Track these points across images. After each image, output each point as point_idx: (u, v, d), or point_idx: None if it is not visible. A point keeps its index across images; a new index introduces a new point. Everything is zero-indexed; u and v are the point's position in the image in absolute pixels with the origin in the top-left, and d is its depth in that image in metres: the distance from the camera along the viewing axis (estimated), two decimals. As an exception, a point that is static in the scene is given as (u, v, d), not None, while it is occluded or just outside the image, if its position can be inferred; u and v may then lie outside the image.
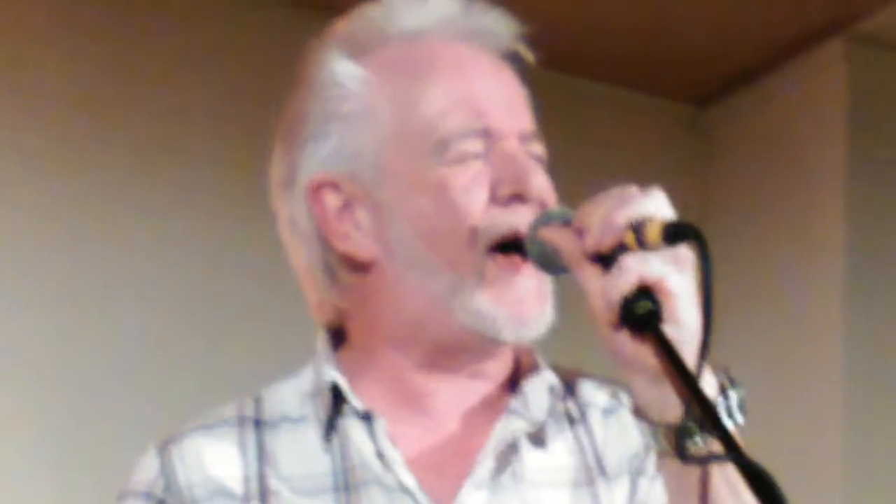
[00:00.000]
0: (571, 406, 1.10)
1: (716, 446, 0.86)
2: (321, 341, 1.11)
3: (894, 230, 3.51)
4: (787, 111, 3.70)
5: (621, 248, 0.89)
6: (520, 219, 1.01)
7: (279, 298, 1.40)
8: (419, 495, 1.03)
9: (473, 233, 1.02)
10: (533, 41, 1.16)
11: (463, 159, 1.04)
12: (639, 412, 0.96)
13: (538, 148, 1.08)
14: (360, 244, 1.05)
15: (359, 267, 1.06)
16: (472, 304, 1.01)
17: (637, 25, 3.56)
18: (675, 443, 0.90)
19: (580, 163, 3.12)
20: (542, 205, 1.03)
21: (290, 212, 1.09)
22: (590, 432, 1.10)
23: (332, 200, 1.05)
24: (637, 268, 0.88)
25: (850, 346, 3.39)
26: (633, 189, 0.93)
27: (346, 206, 1.05)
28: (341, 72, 1.09)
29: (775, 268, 3.65)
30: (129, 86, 3.28)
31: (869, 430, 3.40)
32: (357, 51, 1.09)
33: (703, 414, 0.85)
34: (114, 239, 3.21)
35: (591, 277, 0.91)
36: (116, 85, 3.29)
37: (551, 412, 1.07)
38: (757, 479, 0.82)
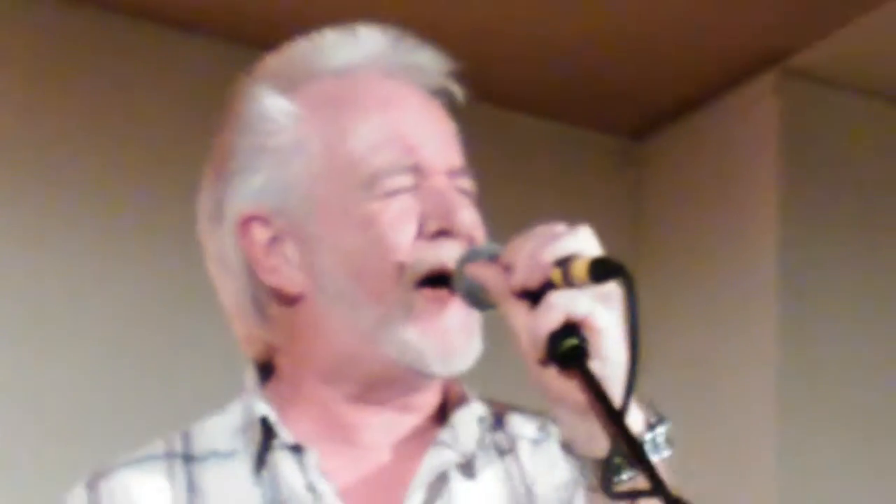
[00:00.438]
0: (501, 438, 1.11)
1: (642, 481, 0.85)
2: (249, 375, 1.11)
3: (827, 264, 3.58)
4: (720, 144, 3.76)
5: (548, 286, 0.90)
6: (447, 254, 1.03)
7: (212, 330, 1.42)
8: None
9: (400, 267, 1.03)
10: (463, 75, 1.19)
11: (392, 194, 1.05)
12: (567, 446, 0.97)
13: (467, 183, 1.10)
14: (289, 278, 1.06)
15: (288, 301, 1.07)
16: (399, 336, 1.02)
17: (570, 58, 3.61)
18: (602, 477, 0.90)
19: (513, 196, 3.21)
20: (470, 240, 1.05)
21: (218, 246, 1.10)
22: (519, 463, 1.10)
23: (260, 234, 1.06)
24: (563, 304, 0.89)
25: (783, 380, 3.45)
26: (561, 226, 0.94)
27: (275, 239, 1.06)
28: (271, 106, 1.09)
29: (708, 300, 3.70)
30: (61, 123, 3.34)
31: (802, 461, 3.45)
32: (287, 86, 1.10)
33: (629, 449, 0.85)
34: (56, 272, 3.26)
35: (517, 314, 0.91)
36: (54, 120, 3.35)
37: (480, 443, 1.07)
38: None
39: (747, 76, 3.69)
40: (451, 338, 1.05)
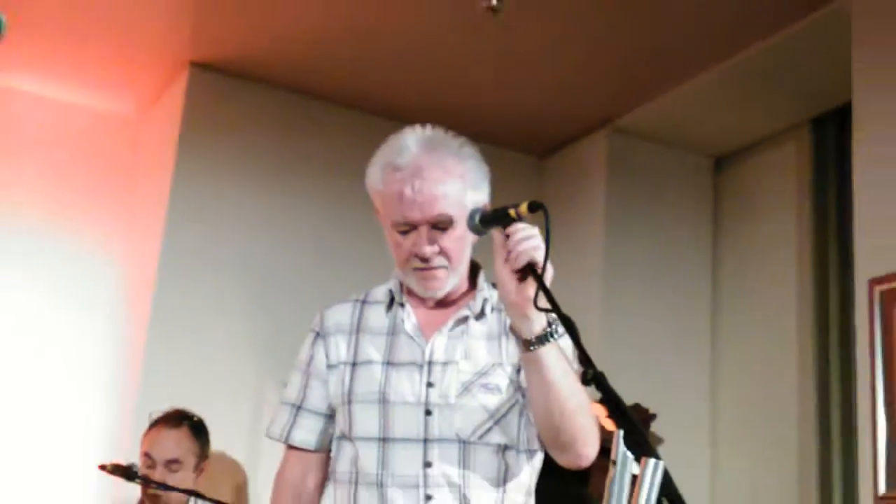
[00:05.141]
0: (497, 303, 1.82)
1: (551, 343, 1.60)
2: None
3: (640, 256, 4.31)
4: (576, 172, 4.55)
5: (513, 218, 1.56)
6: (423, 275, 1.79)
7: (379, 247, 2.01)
8: (416, 336, 1.80)
9: (406, 265, 1.81)
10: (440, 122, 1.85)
11: (401, 232, 1.79)
12: (512, 330, 1.65)
13: (440, 225, 1.76)
14: None
15: None
16: (410, 283, 1.82)
17: (478, 112, 4.21)
18: (531, 341, 1.60)
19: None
20: (439, 256, 1.78)
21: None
22: (502, 315, 1.81)
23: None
24: (536, 240, 1.55)
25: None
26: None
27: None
28: (374, 180, 1.83)
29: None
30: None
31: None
32: (381, 170, 1.82)
33: (554, 309, 1.49)
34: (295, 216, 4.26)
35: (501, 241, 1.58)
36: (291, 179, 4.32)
37: (486, 307, 1.82)
38: (569, 322, 1.45)
39: (589, 131, 4.47)
40: (429, 283, 1.80)
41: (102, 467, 2.95)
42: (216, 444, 3.53)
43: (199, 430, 3.15)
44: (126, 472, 2.93)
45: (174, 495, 3.01)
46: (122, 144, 4.52)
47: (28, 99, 4.36)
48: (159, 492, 2.99)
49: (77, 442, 4.21)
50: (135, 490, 3.12)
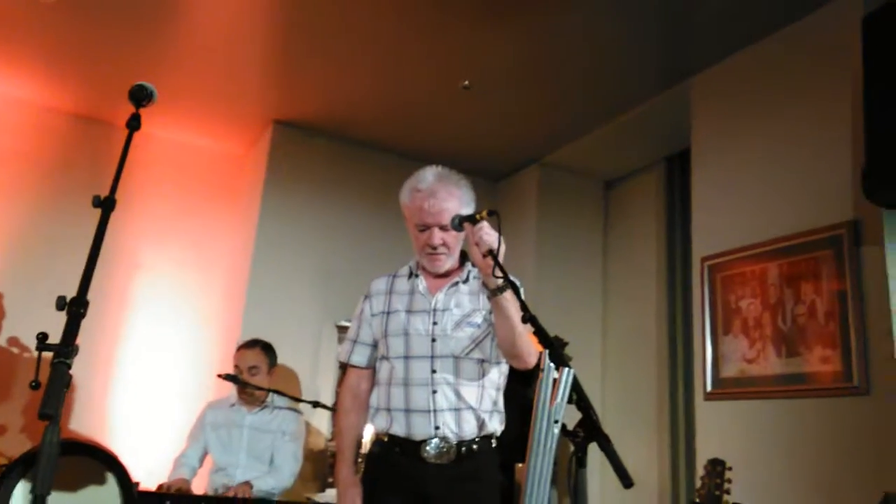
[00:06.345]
0: (476, 273, 1.80)
1: (506, 293, 1.56)
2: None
3: (557, 245, 4.09)
4: (519, 196, 4.34)
5: (479, 220, 1.54)
6: (430, 252, 1.73)
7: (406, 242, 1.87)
8: (426, 294, 1.76)
9: (422, 251, 1.78)
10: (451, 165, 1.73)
11: (420, 231, 1.76)
12: (484, 285, 1.64)
13: (447, 226, 1.70)
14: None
15: None
16: (422, 263, 1.78)
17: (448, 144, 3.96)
18: (494, 291, 1.59)
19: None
20: (442, 248, 1.72)
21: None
22: (479, 281, 1.78)
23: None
24: (493, 233, 1.54)
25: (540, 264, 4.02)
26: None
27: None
28: (403, 199, 1.78)
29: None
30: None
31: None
32: (407, 191, 1.77)
33: (503, 275, 1.49)
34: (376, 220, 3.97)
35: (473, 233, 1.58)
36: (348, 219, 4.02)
37: (470, 276, 1.79)
38: (513, 284, 1.48)
39: (527, 164, 4.30)
40: (435, 263, 1.76)
41: (219, 375, 2.96)
42: (288, 362, 3.57)
43: (267, 348, 3.08)
44: (234, 378, 2.93)
45: (259, 391, 3.00)
46: (232, 173, 4.40)
47: (166, 143, 4.20)
48: (251, 389, 2.97)
49: (206, 358, 4.15)
50: (233, 388, 3.10)
